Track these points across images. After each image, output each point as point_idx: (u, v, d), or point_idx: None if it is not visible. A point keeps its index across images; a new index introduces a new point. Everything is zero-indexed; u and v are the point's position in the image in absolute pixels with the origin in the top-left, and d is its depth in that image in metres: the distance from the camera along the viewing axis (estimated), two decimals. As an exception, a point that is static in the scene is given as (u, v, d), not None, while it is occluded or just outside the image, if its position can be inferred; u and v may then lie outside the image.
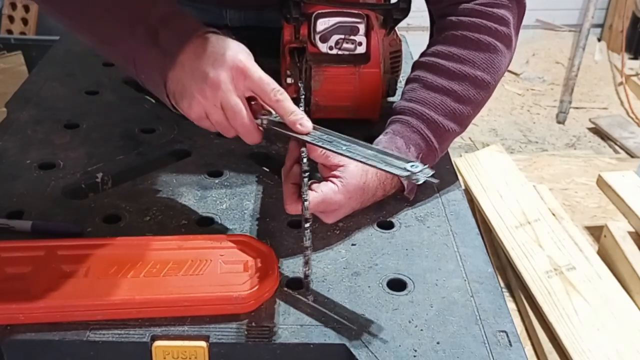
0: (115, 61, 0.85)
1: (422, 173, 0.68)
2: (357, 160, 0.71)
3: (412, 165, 0.69)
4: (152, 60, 0.75)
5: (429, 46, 0.92)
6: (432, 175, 0.68)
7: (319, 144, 0.73)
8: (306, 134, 0.74)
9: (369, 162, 0.71)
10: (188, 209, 0.83)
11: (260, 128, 0.76)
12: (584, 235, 1.92)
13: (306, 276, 0.68)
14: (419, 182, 0.68)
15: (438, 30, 0.93)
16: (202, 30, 0.75)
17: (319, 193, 0.75)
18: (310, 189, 0.74)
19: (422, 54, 0.92)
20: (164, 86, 0.75)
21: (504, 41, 0.89)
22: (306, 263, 0.68)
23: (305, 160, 0.74)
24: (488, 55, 0.88)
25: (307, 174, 0.73)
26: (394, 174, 0.72)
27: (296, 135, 0.74)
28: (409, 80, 0.91)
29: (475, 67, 0.87)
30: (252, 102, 0.75)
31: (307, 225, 0.69)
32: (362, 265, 0.75)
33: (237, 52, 0.73)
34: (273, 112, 0.76)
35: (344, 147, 0.73)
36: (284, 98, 0.73)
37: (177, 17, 0.76)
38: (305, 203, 0.71)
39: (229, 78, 0.72)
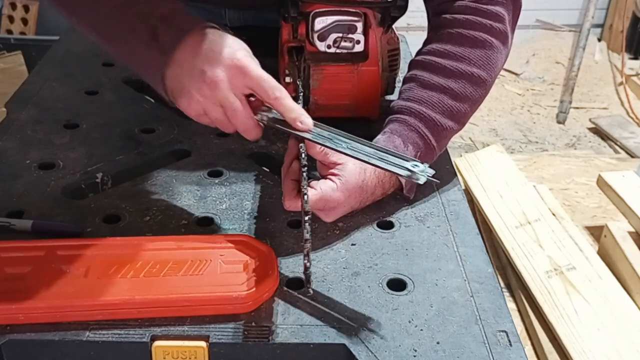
0: (117, 59, 0.85)
1: (423, 173, 0.68)
2: (358, 159, 0.71)
3: (414, 165, 0.69)
4: (151, 58, 0.75)
5: (424, 44, 0.92)
6: (434, 176, 0.67)
7: (319, 141, 0.73)
8: (306, 132, 0.73)
9: (370, 160, 0.71)
10: (188, 209, 0.83)
11: (261, 124, 0.75)
12: (584, 235, 1.92)
13: (306, 269, 0.68)
14: (420, 182, 0.68)
15: (433, 28, 0.93)
16: (200, 26, 0.74)
17: (318, 190, 0.75)
18: (309, 186, 0.74)
19: (418, 53, 0.92)
20: (162, 84, 0.75)
21: (499, 38, 0.89)
22: (306, 255, 0.67)
23: (304, 155, 0.74)
24: (484, 52, 0.88)
25: (305, 168, 0.73)
26: (394, 173, 0.71)
27: (297, 132, 0.74)
28: (405, 80, 0.91)
29: (472, 65, 0.87)
30: (252, 99, 0.74)
31: (306, 218, 0.68)
32: (362, 265, 0.75)
33: (235, 50, 0.73)
34: None
35: (344, 145, 0.72)
36: (283, 96, 0.73)
37: (177, 15, 0.75)
38: (305, 197, 0.70)
39: (227, 76, 0.71)
